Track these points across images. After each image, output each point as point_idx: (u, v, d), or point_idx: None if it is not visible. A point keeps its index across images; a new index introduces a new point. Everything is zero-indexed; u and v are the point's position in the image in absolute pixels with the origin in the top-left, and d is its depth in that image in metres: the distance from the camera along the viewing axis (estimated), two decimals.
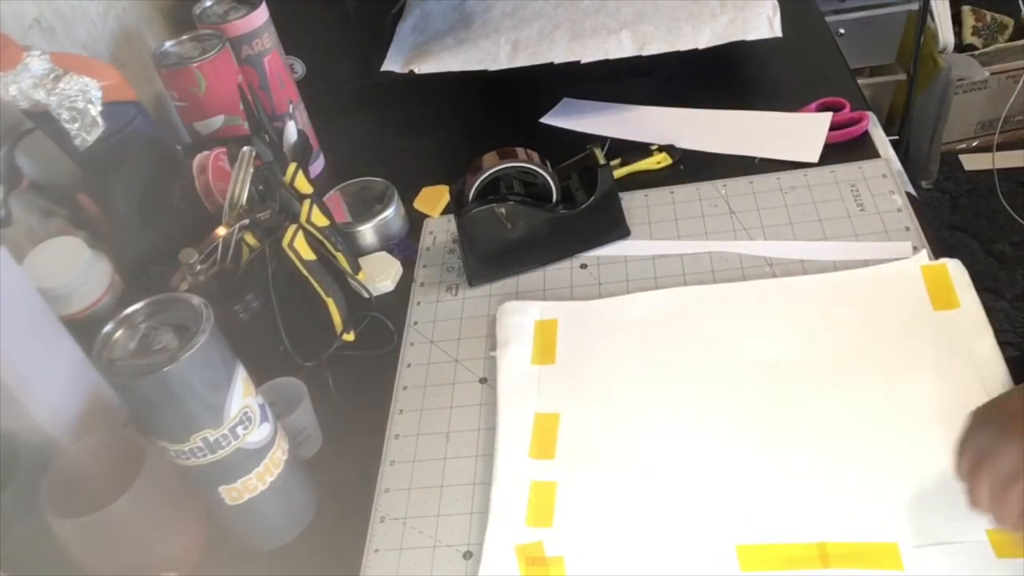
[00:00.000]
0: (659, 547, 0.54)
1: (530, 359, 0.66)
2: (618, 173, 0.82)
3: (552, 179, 0.73)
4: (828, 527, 0.52)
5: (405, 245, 0.81)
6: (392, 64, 0.95)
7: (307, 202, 0.69)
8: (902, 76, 1.69)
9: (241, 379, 0.52)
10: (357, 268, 0.73)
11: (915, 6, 1.55)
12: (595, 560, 0.54)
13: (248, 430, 0.53)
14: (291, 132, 0.78)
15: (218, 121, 0.83)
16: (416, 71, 0.92)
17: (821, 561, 0.51)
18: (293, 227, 0.67)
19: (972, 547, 0.50)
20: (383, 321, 0.73)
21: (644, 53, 0.87)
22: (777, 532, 0.53)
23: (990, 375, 0.58)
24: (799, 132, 0.82)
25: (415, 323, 0.73)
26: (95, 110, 0.68)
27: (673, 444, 0.59)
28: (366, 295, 0.75)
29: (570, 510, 0.56)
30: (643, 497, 0.56)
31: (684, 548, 0.53)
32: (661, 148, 0.84)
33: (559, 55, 0.89)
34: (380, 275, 0.77)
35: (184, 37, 0.82)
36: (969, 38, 1.87)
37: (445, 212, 0.84)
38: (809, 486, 0.55)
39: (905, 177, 0.76)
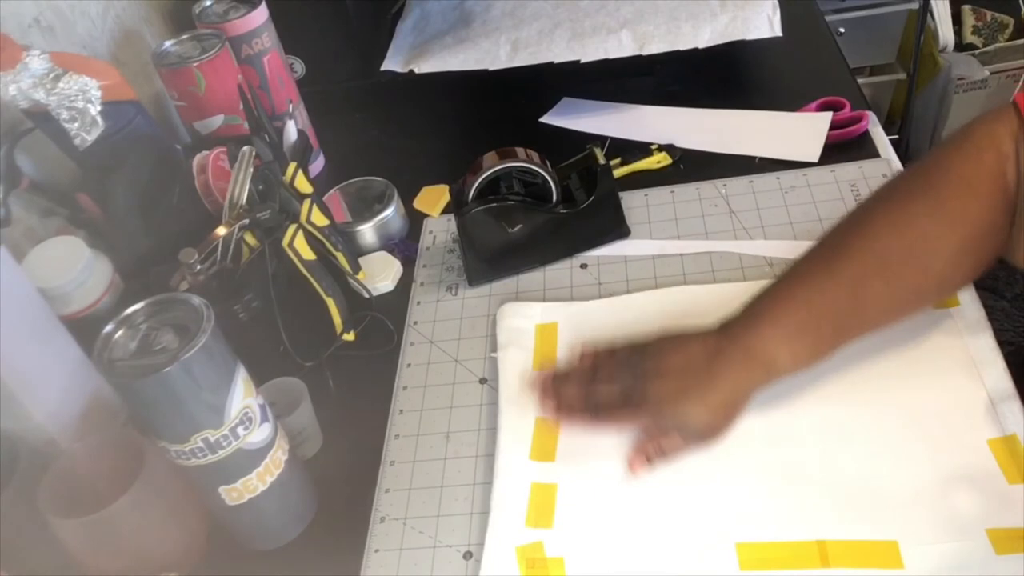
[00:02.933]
0: (659, 546, 0.54)
1: (531, 363, 0.66)
2: (618, 173, 0.82)
3: (552, 179, 0.73)
4: (828, 525, 0.52)
5: (405, 245, 0.81)
6: (392, 64, 0.95)
7: (307, 202, 0.69)
8: (902, 75, 1.69)
9: (241, 379, 0.52)
10: (357, 268, 0.73)
11: (915, 5, 1.55)
12: (595, 561, 0.54)
13: (248, 430, 0.53)
14: (291, 132, 0.78)
15: (218, 121, 0.83)
16: (416, 71, 0.93)
17: (821, 560, 0.51)
18: (293, 227, 0.67)
19: (971, 544, 0.50)
20: (383, 321, 0.73)
21: (644, 53, 0.87)
22: (777, 531, 0.53)
23: (989, 373, 0.58)
24: (799, 132, 0.82)
25: (415, 323, 0.73)
26: (95, 110, 0.68)
27: None
28: (366, 295, 0.75)
29: (570, 511, 0.56)
30: (643, 497, 0.56)
31: (684, 546, 0.53)
32: (661, 148, 0.84)
33: (559, 55, 0.89)
34: (380, 275, 0.77)
35: (184, 37, 0.82)
36: (969, 37, 1.87)
37: (445, 212, 0.84)
38: (808, 484, 0.55)
39: None
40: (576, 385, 0.59)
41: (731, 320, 0.57)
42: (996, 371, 0.58)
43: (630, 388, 0.57)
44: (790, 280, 0.57)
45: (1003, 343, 0.59)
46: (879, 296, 0.55)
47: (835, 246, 0.57)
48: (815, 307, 0.55)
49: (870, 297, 0.55)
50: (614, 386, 0.58)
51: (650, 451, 0.58)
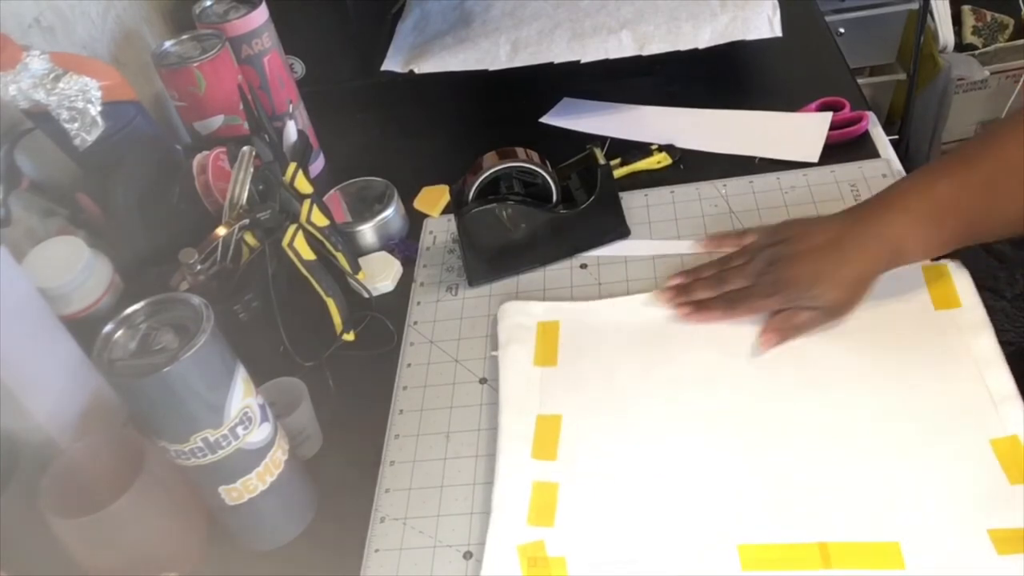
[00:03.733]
0: (661, 547, 0.54)
1: (532, 360, 0.66)
2: (618, 173, 0.82)
3: (552, 179, 0.73)
4: (829, 526, 0.52)
5: (405, 245, 0.81)
6: (392, 64, 0.95)
7: (307, 202, 0.69)
8: (902, 76, 1.69)
9: (241, 379, 0.52)
10: (357, 268, 0.73)
11: (915, 5, 1.55)
12: (597, 560, 0.54)
13: (248, 430, 0.53)
14: (291, 132, 0.78)
15: (218, 121, 0.83)
16: (416, 71, 0.93)
17: (822, 561, 0.51)
18: (293, 227, 0.67)
19: (973, 545, 0.50)
20: (383, 321, 0.73)
21: (644, 53, 0.87)
22: (778, 532, 0.53)
23: (991, 373, 0.58)
24: (799, 132, 0.82)
25: (415, 323, 0.73)
26: (95, 110, 0.68)
27: (675, 444, 0.59)
28: (366, 295, 0.75)
29: (572, 510, 0.56)
30: (645, 497, 0.56)
31: (686, 548, 0.53)
32: (661, 148, 0.84)
33: (559, 55, 0.89)
34: (380, 275, 0.77)
35: (184, 37, 0.82)
36: (969, 37, 1.87)
37: (445, 212, 0.84)
38: (810, 486, 0.55)
39: None
40: (709, 284, 0.66)
41: (859, 207, 0.61)
42: (998, 372, 0.58)
43: (763, 276, 0.62)
44: (923, 173, 0.60)
45: (1004, 343, 0.59)
46: (1010, 202, 0.57)
47: (971, 151, 0.59)
48: (945, 200, 0.58)
49: (1000, 201, 0.57)
50: (747, 277, 0.64)
51: (783, 328, 0.62)
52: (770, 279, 0.62)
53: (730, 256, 0.67)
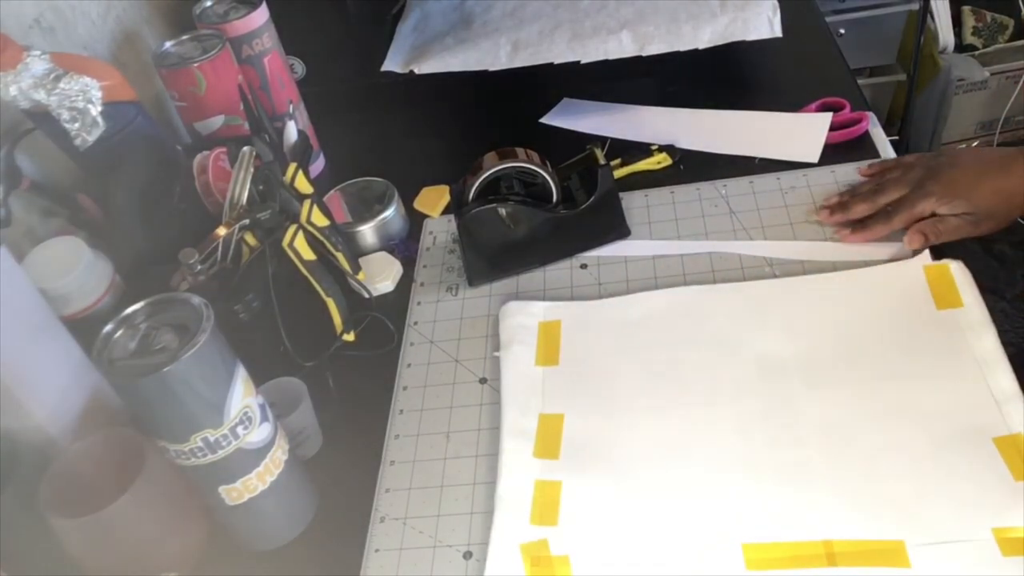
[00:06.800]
0: (664, 545, 0.54)
1: (534, 360, 0.66)
2: (618, 173, 0.82)
3: (552, 179, 0.73)
4: (834, 525, 0.52)
5: (405, 245, 0.81)
6: (392, 64, 0.95)
7: (307, 202, 0.69)
8: (902, 76, 1.69)
9: (241, 379, 0.52)
10: (357, 268, 0.73)
11: (915, 6, 1.55)
12: (600, 559, 0.54)
13: (248, 430, 0.53)
14: (291, 132, 0.78)
15: (218, 121, 0.83)
16: (416, 71, 0.93)
17: (827, 559, 0.51)
18: (293, 227, 0.67)
19: (978, 545, 0.50)
20: (383, 321, 0.73)
21: (644, 53, 0.87)
22: (783, 530, 0.53)
23: (993, 373, 0.58)
24: (799, 132, 0.82)
25: (415, 323, 0.73)
26: (95, 110, 0.68)
27: (678, 443, 0.59)
28: (366, 295, 0.75)
29: (575, 509, 0.56)
30: (648, 496, 0.56)
31: (689, 546, 0.53)
32: (661, 148, 0.84)
33: (559, 55, 0.89)
34: (380, 275, 0.77)
35: (184, 37, 0.82)
36: (969, 38, 1.87)
37: (445, 212, 0.84)
38: (814, 484, 0.55)
39: None
40: (865, 198, 0.67)
41: None
42: (1001, 371, 0.58)
43: (922, 180, 0.64)
44: None
45: (1004, 344, 0.59)
46: None
47: None
48: None
49: None
50: (905, 185, 0.65)
51: (931, 230, 0.63)
52: (929, 183, 0.63)
53: (886, 170, 0.68)
